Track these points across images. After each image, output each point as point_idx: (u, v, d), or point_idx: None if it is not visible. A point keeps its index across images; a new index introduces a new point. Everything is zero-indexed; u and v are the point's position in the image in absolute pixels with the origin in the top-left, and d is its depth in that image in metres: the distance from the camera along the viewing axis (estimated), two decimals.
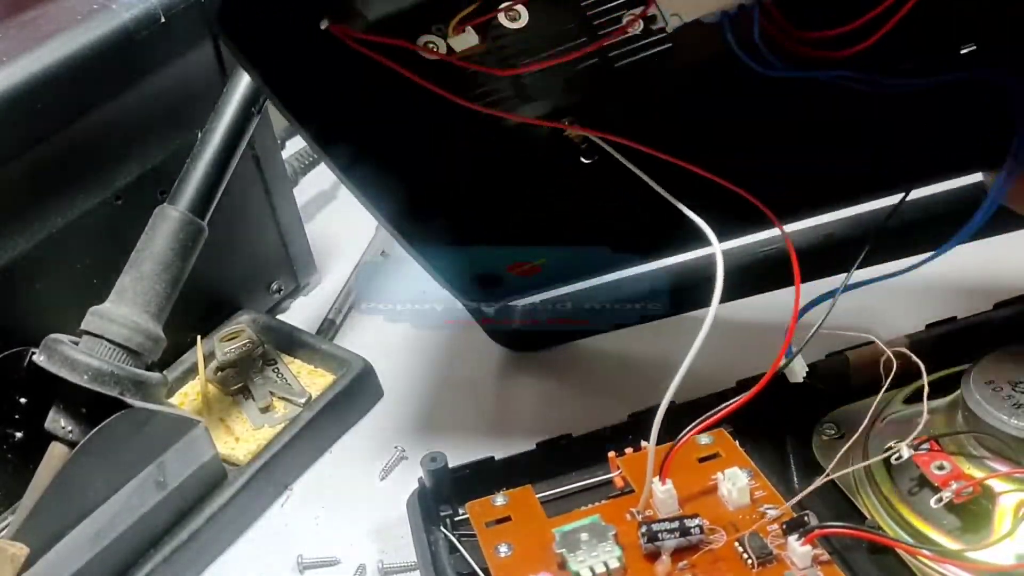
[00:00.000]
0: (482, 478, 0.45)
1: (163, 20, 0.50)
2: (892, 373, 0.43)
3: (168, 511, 0.47)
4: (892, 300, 0.55)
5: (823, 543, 0.39)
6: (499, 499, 0.44)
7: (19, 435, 0.47)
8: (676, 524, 0.39)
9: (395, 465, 0.52)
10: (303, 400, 0.54)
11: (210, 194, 0.48)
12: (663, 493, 0.41)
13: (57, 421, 0.44)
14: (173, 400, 0.55)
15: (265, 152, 0.59)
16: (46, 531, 0.41)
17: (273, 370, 0.56)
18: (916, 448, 0.40)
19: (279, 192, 0.61)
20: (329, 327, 0.62)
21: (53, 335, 0.44)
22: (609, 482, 0.45)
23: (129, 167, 0.52)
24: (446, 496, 0.45)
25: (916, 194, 0.48)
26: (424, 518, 0.44)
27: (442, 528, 0.44)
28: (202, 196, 0.48)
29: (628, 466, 0.44)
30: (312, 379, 0.56)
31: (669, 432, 0.40)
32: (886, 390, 0.42)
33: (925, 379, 0.41)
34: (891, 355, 0.43)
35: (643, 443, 0.45)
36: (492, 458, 0.45)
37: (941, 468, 0.39)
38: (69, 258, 0.50)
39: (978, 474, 0.39)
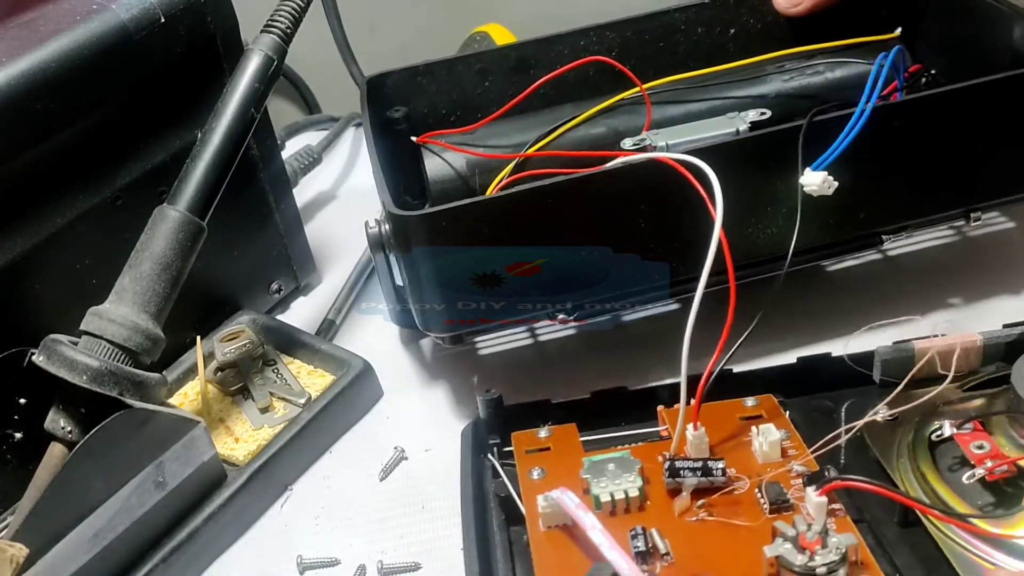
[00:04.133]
0: (536, 415, 0.47)
1: (163, 20, 0.50)
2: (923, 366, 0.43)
3: (168, 511, 0.46)
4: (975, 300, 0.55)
5: (852, 509, 0.39)
6: (543, 432, 0.46)
7: (19, 435, 0.47)
8: (699, 464, 0.41)
9: (395, 465, 0.52)
10: (303, 400, 0.54)
11: (210, 194, 0.48)
12: (695, 438, 0.42)
13: (57, 421, 0.44)
14: (173, 400, 0.55)
15: (265, 152, 0.59)
16: (46, 531, 0.41)
17: (273, 370, 0.56)
18: (959, 428, 0.41)
19: (279, 192, 0.61)
20: (329, 327, 0.61)
21: (53, 335, 0.45)
22: (653, 435, 0.46)
23: (129, 167, 0.52)
24: (497, 428, 0.47)
25: None
26: (474, 444, 0.47)
27: (489, 456, 0.46)
28: (202, 196, 0.48)
29: (672, 418, 0.45)
30: (312, 379, 0.56)
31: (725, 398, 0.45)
32: (948, 383, 0.43)
33: (949, 372, 0.41)
34: (961, 349, 0.44)
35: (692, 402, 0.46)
36: (548, 400, 0.47)
37: (980, 447, 0.40)
38: (69, 258, 0.50)
39: (1016, 455, 0.39)
